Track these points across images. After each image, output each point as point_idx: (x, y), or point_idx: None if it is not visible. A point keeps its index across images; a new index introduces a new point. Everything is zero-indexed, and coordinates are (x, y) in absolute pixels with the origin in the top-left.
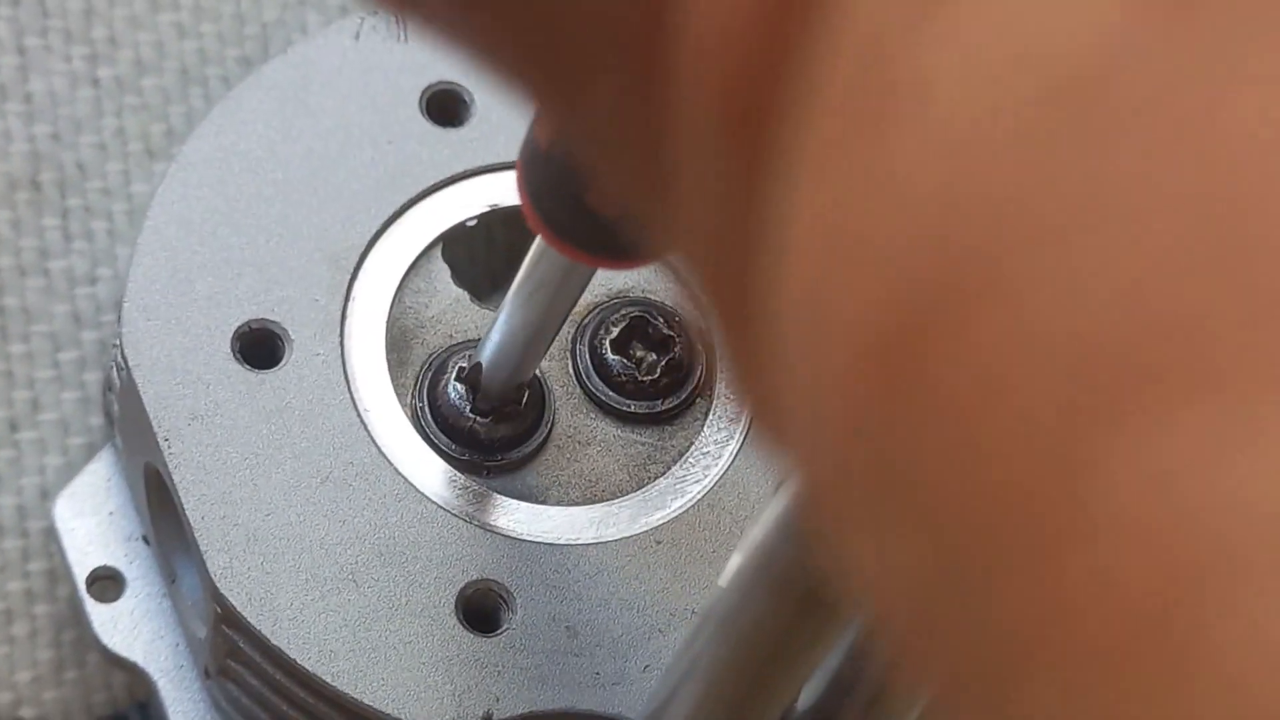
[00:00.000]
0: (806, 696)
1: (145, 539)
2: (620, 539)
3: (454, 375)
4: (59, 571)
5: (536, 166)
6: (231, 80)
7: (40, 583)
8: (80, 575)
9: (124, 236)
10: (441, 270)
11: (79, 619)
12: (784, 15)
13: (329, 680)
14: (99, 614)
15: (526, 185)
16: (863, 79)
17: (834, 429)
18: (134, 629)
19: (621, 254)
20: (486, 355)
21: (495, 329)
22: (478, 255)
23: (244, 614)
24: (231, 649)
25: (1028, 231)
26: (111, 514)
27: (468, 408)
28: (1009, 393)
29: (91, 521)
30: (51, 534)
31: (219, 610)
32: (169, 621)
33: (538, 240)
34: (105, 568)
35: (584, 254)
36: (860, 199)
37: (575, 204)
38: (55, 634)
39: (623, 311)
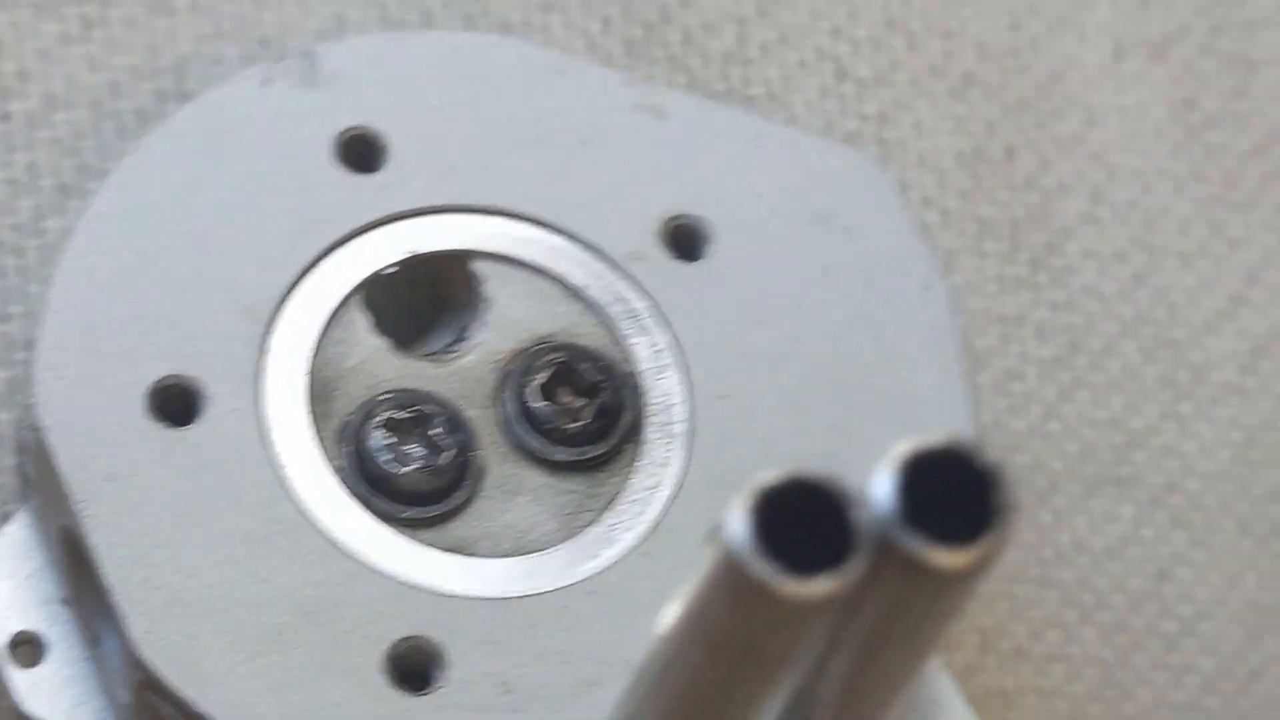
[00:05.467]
0: None
1: (66, 601)
2: (553, 590)
3: (378, 425)
4: None
5: None
6: (146, 113)
7: None
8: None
9: (36, 274)
10: (361, 320)
11: None
12: None
13: None
14: (20, 680)
15: None
16: None
17: None
18: (55, 695)
19: None
20: None
21: None
22: (399, 303)
23: (168, 679)
24: (155, 716)
25: None
26: (29, 576)
27: (392, 460)
28: None
29: (9, 585)
30: None
31: (142, 677)
32: (92, 687)
33: None
34: (25, 632)
35: None
36: None
37: None
38: None
39: (548, 357)
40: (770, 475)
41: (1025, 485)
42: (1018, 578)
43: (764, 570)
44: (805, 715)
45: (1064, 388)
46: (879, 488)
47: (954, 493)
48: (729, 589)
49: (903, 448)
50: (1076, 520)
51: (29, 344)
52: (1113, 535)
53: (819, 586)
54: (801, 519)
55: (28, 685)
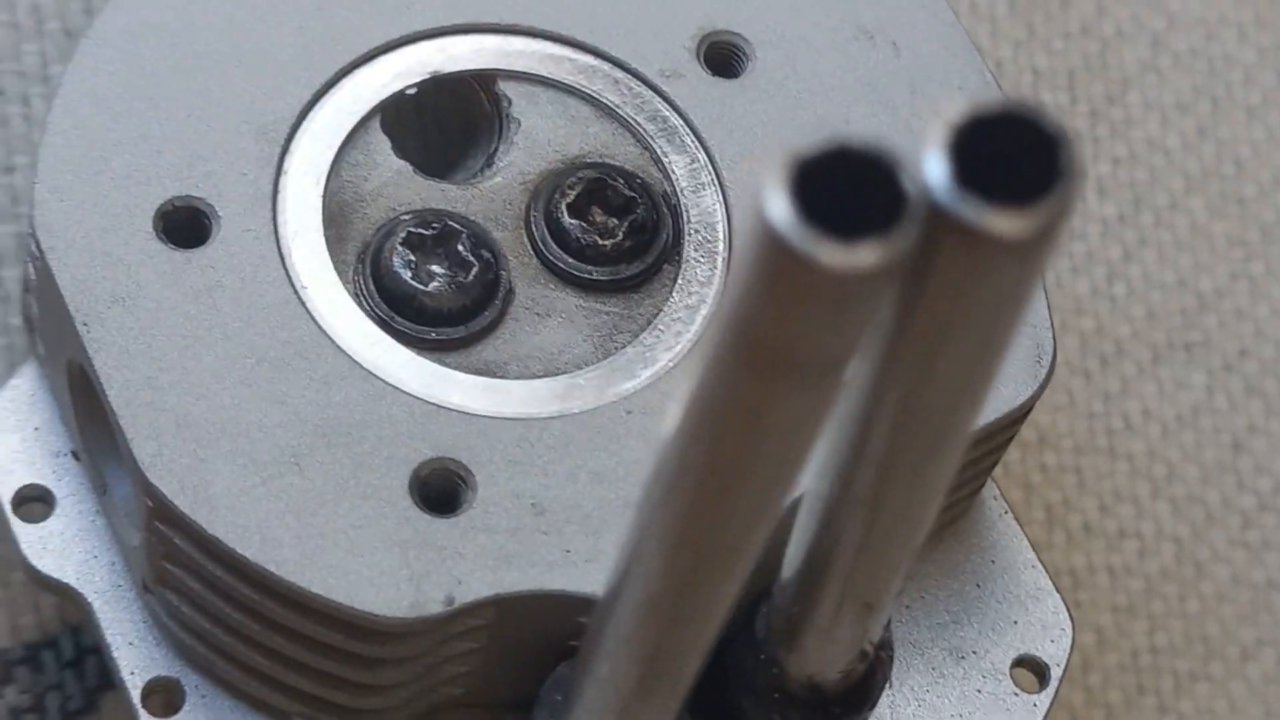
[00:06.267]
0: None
1: (74, 454)
2: (587, 410)
3: (400, 241)
4: None
5: None
6: None
7: None
8: (5, 495)
9: (42, 123)
10: (381, 142)
11: (2, 536)
12: None
13: (274, 570)
14: (27, 535)
15: None
16: None
17: None
18: (65, 550)
19: None
20: None
21: None
22: (423, 126)
23: (177, 504)
24: (167, 550)
25: None
26: (37, 429)
27: (414, 277)
28: None
29: (15, 438)
30: None
31: (150, 504)
32: (102, 540)
33: None
34: (33, 486)
35: None
36: None
37: None
38: None
39: (579, 175)
40: (809, 143)
41: (1090, 351)
42: (1085, 449)
43: (805, 240)
44: (851, 474)
45: (1129, 247)
46: (930, 153)
47: (1011, 167)
48: (767, 276)
49: (955, 111)
50: (1146, 388)
51: None
52: (1184, 404)
53: (866, 255)
54: (845, 199)
55: (36, 540)
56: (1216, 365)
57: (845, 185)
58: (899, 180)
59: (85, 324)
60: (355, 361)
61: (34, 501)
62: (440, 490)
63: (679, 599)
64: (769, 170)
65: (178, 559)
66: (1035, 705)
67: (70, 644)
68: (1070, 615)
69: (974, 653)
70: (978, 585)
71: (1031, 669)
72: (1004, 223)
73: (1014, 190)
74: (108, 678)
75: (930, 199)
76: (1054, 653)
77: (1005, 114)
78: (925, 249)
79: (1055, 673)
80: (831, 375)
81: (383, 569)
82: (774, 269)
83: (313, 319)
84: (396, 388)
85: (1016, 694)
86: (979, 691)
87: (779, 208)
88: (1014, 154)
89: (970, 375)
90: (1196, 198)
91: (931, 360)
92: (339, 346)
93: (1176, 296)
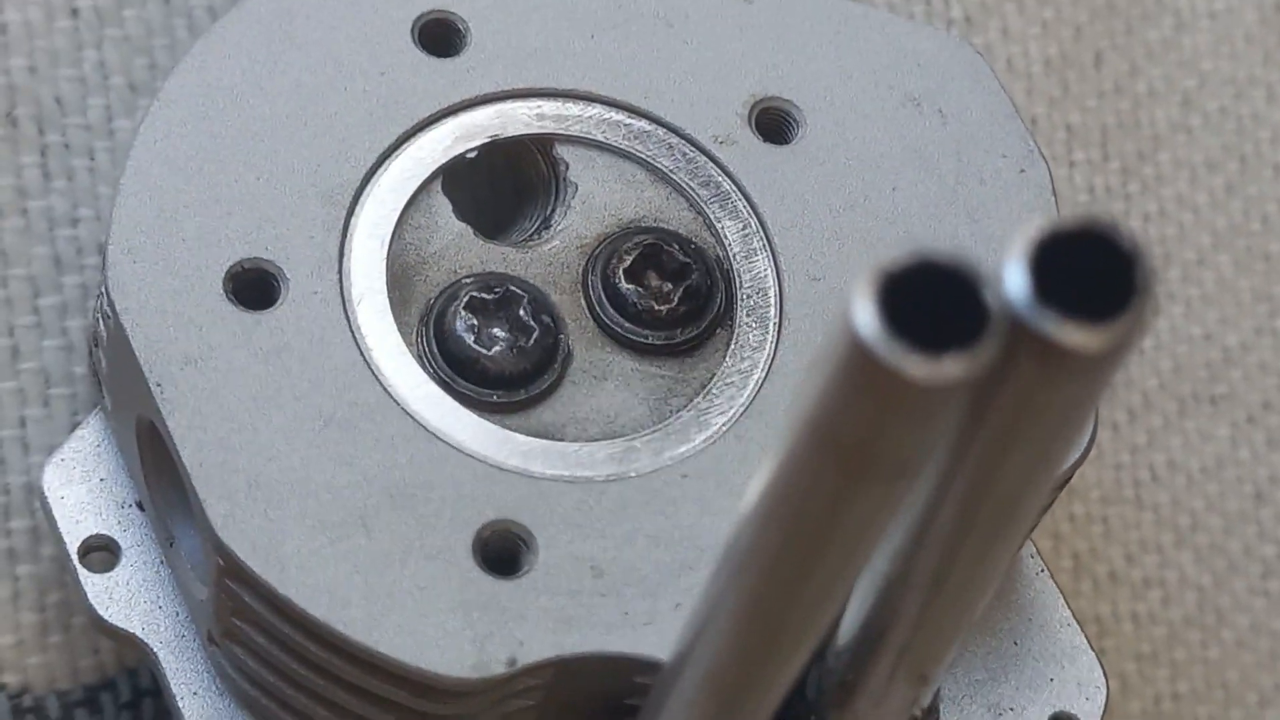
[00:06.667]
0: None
1: (139, 504)
2: (643, 474)
3: (463, 305)
4: (42, 529)
5: None
6: (216, 10)
7: (22, 541)
8: (72, 545)
9: (106, 175)
10: (442, 204)
11: (64, 580)
12: None
13: (341, 630)
14: (93, 585)
15: None
16: None
17: None
18: (131, 600)
19: None
20: None
21: None
22: (481, 191)
23: (248, 563)
24: (236, 606)
25: None
26: (103, 480)
27: (476, 341)
28: None
29: (82, 489)
30: (33, 490)
31: (221, 563)
32: (167, 591)
33: None
34: (99, 536)
35: None
36: None
37: None
38: (39, 596)
39: (635, 240)
40: (896, 257)
41: (1118, 404)
42: (1112, 499)
43: (894, 352)
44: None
45: (1157, 302)
46: (1011, 268)
47: (1086, 281)
48: (853, 383)
49: (1035, 227)
50: (1172, 440)
51: (100, 249)
52: (1209, 455)
53: (951, 368)
54: (927, 310)
55: (103, 590)
56: (1240, 418)
57: (928, 297)
58: (981, 295)
59: (159, 384)
60: (420, 423)
61: (100, 550)
62: (502, 552)
63: (745, 671)
64: (858, 283)
65: (246, 615)
66: None
67: (128, 687)
68: (1105, 673)
69: (1011, 709)
70: (1015, 643)
71: None
72: (1081, 337)
73: (1090, 304)
74: None
75: (1010, 312)
76: (1089, 709)
77: (1084, 230)
78: (1001, 358)
79: None
80: (908, 474)
81: (447, 629)
82: (861, 378)
83: (378, 381)
84: (460, 449)
85: None
86: None
87: (867, 320)
88: (1091, 268)
89: (1035, 471)
90: (1224, 254)
91: (999, 459)
92: (404, 408)
93: (1203, 350)
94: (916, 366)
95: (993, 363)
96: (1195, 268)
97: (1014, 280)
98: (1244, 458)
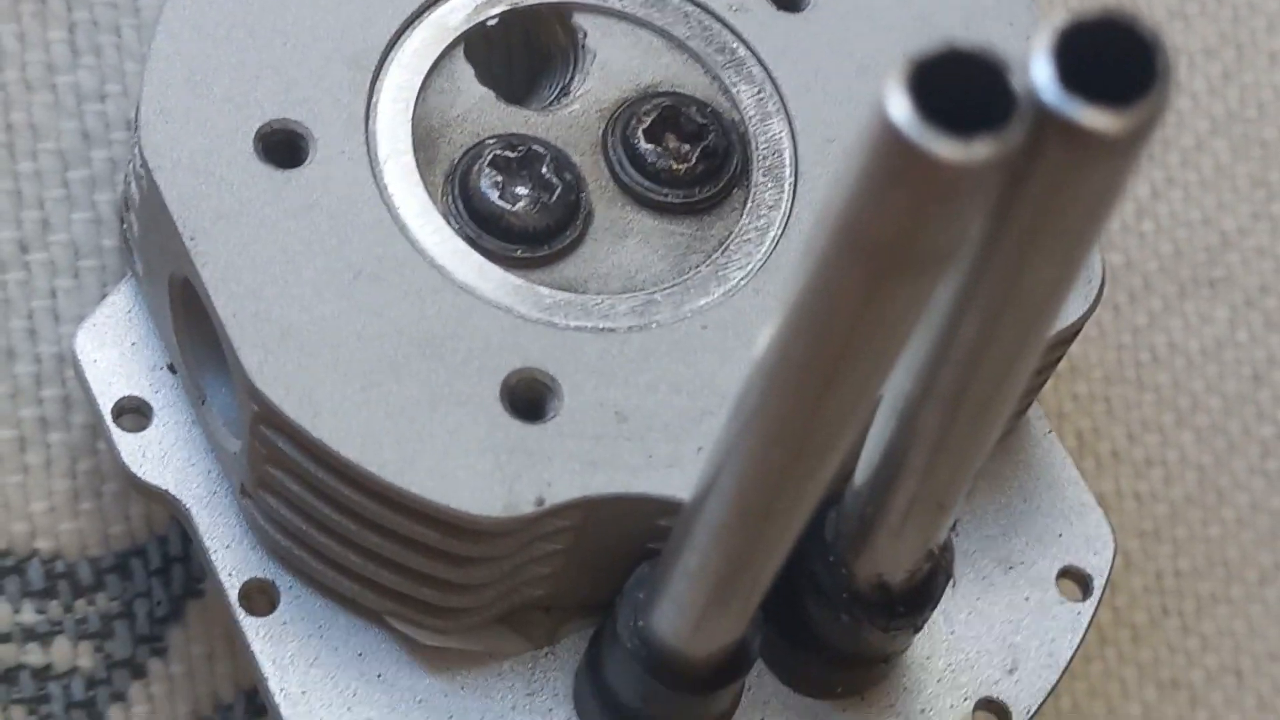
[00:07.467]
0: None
1: (170, 367)
2: (664, 325)
3: (487, 163)
4: (73, 398)
5: None
6: None
7: (54, 409)
8: (105, 406)
9: (133, 52)
10: (464, 70)
11: (95, 448)
12: None
13: (375, 472)
14: (127, 444)
15: None
16: None
17: None
18: (164, 458)
19: None
20: None
21: None
22: (502, 58)
23: (283, 409)
24: (269, 454)
25: None
26: (134, 344)
27: (500, 197)
28: None
29: (114, 353)
30: (64, 360)
31: (255, 409)
32: (198, 449)
33: None
34: (131, 398)
35: None
36: None
37: None
38: (71, 463)
39: (653, 102)
40: (925, 47)
41: (1119, 286)
42: (1114, 379)
43: (926, 136)
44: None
45: (1156, 186)
46: (1037, 58)
47: (1106, 71)
48: (886, 174)
49: (1060, 18)
50: (1172, 322)
51: (128, 124)
52: (1208, 337)
53: (980, 150)
54: (957, 100)
55: (136, 449)
56: (1238, 301)
57: (957, 87)
58: (1008, 82)
59: (192, 238)
60: (447, 276)
61: (133, 412)
62: (529, 398)
63: (772, 493)
64: (889, 73)
65: (280, 463)
66: (1079, 613)
67: (158, 553)
68: (1112, 529)
69: (1021, 563)
70: (1024, 500)
71: (1076, 580)
72: (1104, 120)
73: (1112, 91)
74: (193, 586)
75: (1036, 99)
76: (1097, 564)
77: (1105, 21)
78: (1028, 147)
79: (1098, 583)
80: (938, 269)
81: (477, 471)
82: (893, 167)
83: (406, 237)
84: (486, 301)
85: (1062, 603)
86: (1027, 600)
87: (900, 107)
88: (1112, 58)
89: (1058, 273)
90: (1221, 140)
91: (1025, 257)
92: (432, 262)
93: (1201, 234)
94: (948, 149)
95: (1020, 148)
96: (1193, 153)
97: (1040, 69)
98: (1242, 340)
